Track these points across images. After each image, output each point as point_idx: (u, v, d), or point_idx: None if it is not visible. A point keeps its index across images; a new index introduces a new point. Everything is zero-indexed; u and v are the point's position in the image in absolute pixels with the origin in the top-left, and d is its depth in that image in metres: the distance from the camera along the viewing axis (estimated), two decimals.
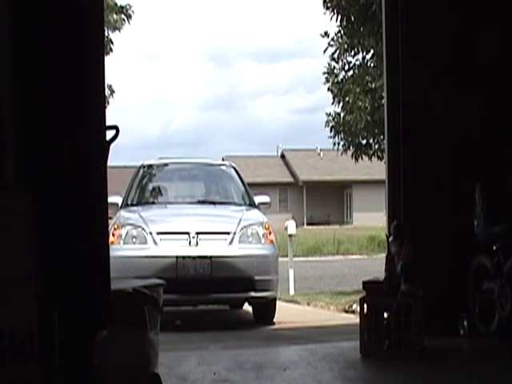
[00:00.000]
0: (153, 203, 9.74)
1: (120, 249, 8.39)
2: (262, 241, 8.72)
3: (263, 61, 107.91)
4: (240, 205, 9.66)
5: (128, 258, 8.23)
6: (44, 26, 4.60)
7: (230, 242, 8.58)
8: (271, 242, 8.81)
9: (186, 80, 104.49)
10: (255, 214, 9.24)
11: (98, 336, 4.17)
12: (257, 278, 8.49)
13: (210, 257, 8.36)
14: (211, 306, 9.80)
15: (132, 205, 9.50)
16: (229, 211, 9.36)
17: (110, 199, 8.25)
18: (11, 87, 4.46)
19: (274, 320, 9.55)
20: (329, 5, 14.91)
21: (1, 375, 3.68)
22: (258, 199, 9.84)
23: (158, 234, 8.56)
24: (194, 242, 8.47)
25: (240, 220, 8.82)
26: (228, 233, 8.65)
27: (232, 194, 10.03)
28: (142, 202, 9.66)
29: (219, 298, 8.60)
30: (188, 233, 8.50)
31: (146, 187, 10.07)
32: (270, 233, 8.80)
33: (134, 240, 8.53)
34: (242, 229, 8.69)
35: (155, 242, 8.52)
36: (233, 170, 10.36)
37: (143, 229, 8.58)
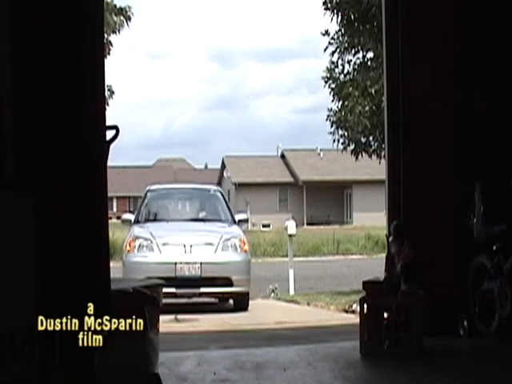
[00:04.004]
0: (157, 220, 12.30)
1: (134, 256, 11.17)
2: (238, 250, 11.38)
3: (266, 61, 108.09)
4: (223, 221, 12.24)
5: (140, 263, 10.95)
6: (44, 26, 4.60)
7: (215, 251, 11.24)
8: (245, 251, 11.49)
9: (188, 80, 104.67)
10: (234, 230, 11.88)
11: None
12: (234, 277, 11.12)
13: (200, 262, 11.06)
14: (202, 300, 12.07)
15: (142, 221, 12.16)
16: (214, 227, 11.93)
17: (125, 216, 12.56)
18: (11, 87, 4.47)
19: (274, 320, 10.18)
20: (329, 5, 14.91)
21: (1, 375, 3.68)
22: (237, 217, 12.53)
23: (163, 245, 11.22)
24: (188, 250, 11.15)
25: (222, 234, 11.48)
26: (213, 244, 11.31)
27: (218, 213, 12.57)
28: (149, 219, 12.29)
29: (207, 291, 11.21)
30: (184, 244, 11.18)
31: (152, 207, 12.66)
32: (244, 244, 11.48)
33: (144, 249, 11.18)
34: (223, 241, 11.34)
35: (160, 251, 11.17)
36: (219, 193, 13.10)
37: (151, 241, 11.23)
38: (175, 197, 13.23)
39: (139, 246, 11.13)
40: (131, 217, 12.36)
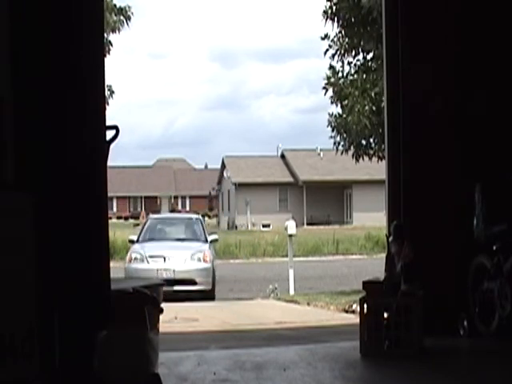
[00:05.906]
0: (151, 240, 17.39)
1: (131, 265, 16.14)
2: (201, 261, 16.20)
3: (267, 61, 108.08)
4: (199, 240, 17.28)
5: (135, 269, 15.84)
6: (44, 26, 4.61)
7: (184, 261, 16.08)
8: (206, 261, 16.26)
9: (189, 80, 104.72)
10: (203, 247, 16.78)
11: (98, 336, 4.18)
12: (197, 279, 15.95)
13: (173, 269, 15.81)
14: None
15: (141, 241, 17.30)
16: (190, 244, 16.93)
17: (131, 237, 18.18)
18: (12, 88, 4.47)
19: (274, 320, 10.31)
20: (329, 13, 14.91)
21: (1, 375, 3.68)
22: (210, 237, 17.59)
23: (150, 257, 16.21)
24: (167, 260, 16.03)
25: (191, 250, 16.41)
26: (183, 257, 16.14)
27: (195, 234, 17.74)
28: (146, 239, 17.42)
29: (179, 289, 15.28)
30: (164, 256, 16.08)
31: (150, 230, 17.99)
32: (206, 257, 16.34)
33: (137, 260, 16.19)
34: (191, 255, 16.23)
35: (148, 261, 16.14)
36: (199, 221, 18.60)
37: (142, 255, 16.31)
38: (167, 223, 19.16)
39: (134, 258, 16.31)
40: (135, 237, 17.68)
